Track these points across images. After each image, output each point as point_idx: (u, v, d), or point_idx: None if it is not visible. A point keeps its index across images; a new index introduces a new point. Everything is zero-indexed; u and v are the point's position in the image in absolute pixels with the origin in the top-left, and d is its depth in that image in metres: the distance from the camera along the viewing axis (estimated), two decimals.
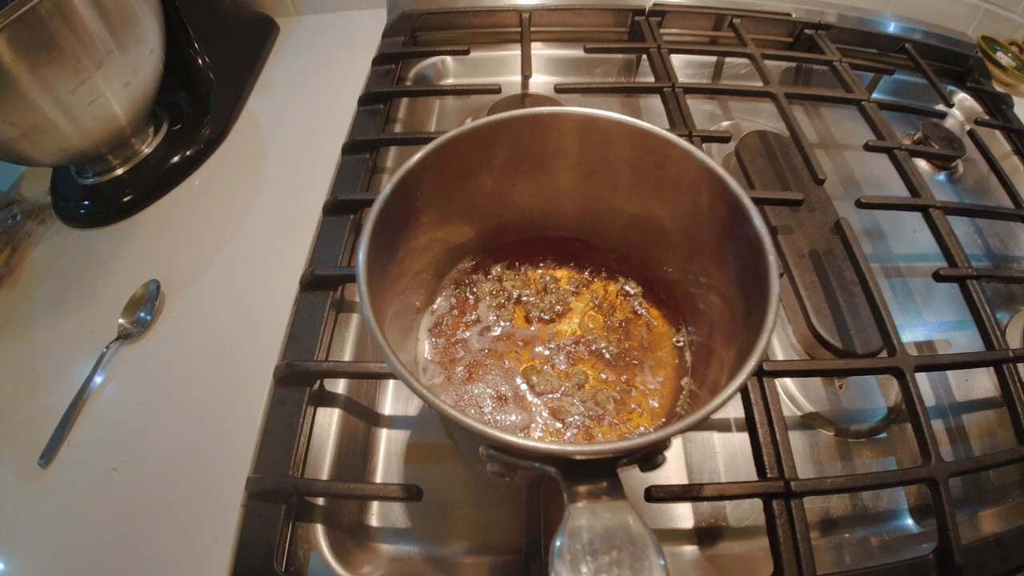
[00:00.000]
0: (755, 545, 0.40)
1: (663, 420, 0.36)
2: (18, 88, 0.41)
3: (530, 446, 0.23)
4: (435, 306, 0.41)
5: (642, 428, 0.35)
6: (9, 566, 0.38)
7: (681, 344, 0.39)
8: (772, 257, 0.27)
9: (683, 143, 0.33)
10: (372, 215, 0.29)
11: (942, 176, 0.69)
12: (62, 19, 0.41)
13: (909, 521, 0.44)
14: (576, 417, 0.36)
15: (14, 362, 0.47)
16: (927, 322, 0.55)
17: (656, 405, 0.36)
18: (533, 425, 0.36)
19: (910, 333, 0.53)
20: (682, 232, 0.36)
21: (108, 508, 0.39)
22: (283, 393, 0.42)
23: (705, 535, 0.41)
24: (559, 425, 0.35)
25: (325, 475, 0.41)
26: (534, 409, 0.36)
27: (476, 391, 0.37)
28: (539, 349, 0.39)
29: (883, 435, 0.48)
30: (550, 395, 0.36)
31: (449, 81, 0.73)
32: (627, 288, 0.42)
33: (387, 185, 0.31)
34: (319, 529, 0.39)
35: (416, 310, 0.39)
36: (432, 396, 0.24)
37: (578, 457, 0.24)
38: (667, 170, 0.35)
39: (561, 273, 0.43)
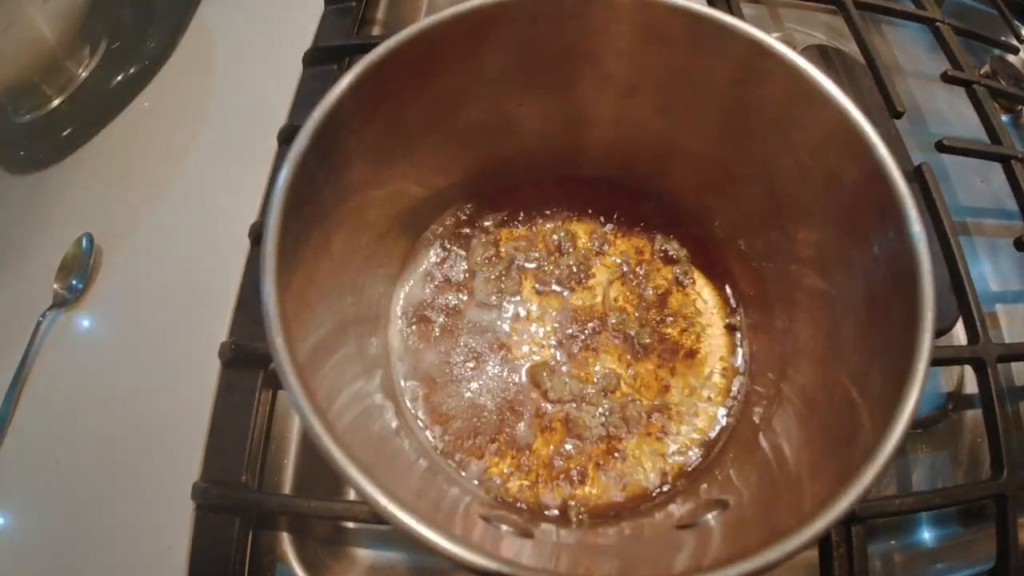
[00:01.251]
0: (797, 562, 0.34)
1: (709, 437, 0.27)
2: None
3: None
4: (410, 278, 0.31)
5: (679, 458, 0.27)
6: None
7: (738, 333, 0.30)
8: (928, 292, 0.18)
9: (789, 53, 0.22)
10: (291, 158, 0.19)
11: (1006, 119, 0.60)
12: None
13: (959, 527, 0.39)
14: (595, 432, 0.27)
15: None
16: (991, 291, 0.48)
17: (698, 422, 0.28)
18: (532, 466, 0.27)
19: None
20: (763, 186, 0.26)
21: (55, 505, 0.36)
22: (231, 377, 0.34)
23: None
24: (569, 445, 0.27)
25: (288, 474, 0.35)
26: (542, 424, 0.27)
27: (464, 397, 0.28)
28: (548, 335, 0.30)
29: (940, 424, 0.41)
30: (566, 404, 0.28)
31: None
32: (667, 249, 0.32)
33: (319, 107, 0.20)
34: (285, 538, 0.34)
35: (385, 282, 0.30)
36: (375, 494, 0.15)
37: None
38: (753, 91, 0.24)
39: (580, 227, 0.33)
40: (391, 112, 0.25)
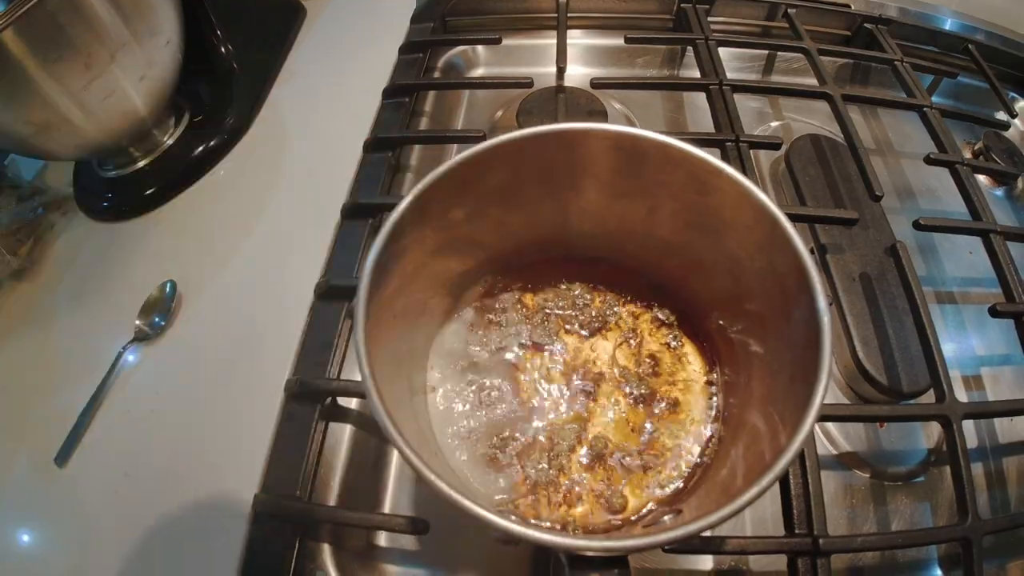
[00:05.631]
0: None
1: (689, 471, 0.34)
2: (29, 85, 0.40)
3: (537, 538, 0.21)
4: (449, 328, 0.39)
5: (663, 489, 0.33)
6: (27, 564, 0.39)
7: (714, 387, 0.36)
8: (826, 353, 0.24)
9: (733, 173, 0.30)
10: (374, 251, 0.27)
11: (1000, 192, 0.64)
12: (73, 12, 0.39)
13: (937, 571, 0.41)
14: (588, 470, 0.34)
15: (34, 357, 0.47)
16: (976, 354, 0.52)
17: (680, 461, 0.34)
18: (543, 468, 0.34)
19: (956, 365, 0.49)
20: (724, 269, 0.33)
21: (119, 514, 0.39)
22: (293, 409, 0.41)
23: None
24: (575, 475, 0.34)
25: (334, 493, 0.41)
26: (552, 457, 0.34)
27: (486, 425, 0.35)
28: (559, 381, 0.37)
29: (920, 479, 0.45)
30: (570, 442, 0.35)
31: (479, 71, 0.69)
32: (660, 316, 0.39)
33: (395, 210, 0.29)
34: (326, 548, 0.39)
35: (429, 331, 0.38)
36: (424, 467, 0.22)
37: (590, 554, 0.22)
38: (711, 200, 0.32)
39: (590, 294, 0.41)
40: (438, 211, 0.32)
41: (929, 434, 0.46)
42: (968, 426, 0.42)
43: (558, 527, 0.32)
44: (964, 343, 0.52)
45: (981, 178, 0.63)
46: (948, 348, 0.45)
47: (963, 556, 0.37)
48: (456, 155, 0.32)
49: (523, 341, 0.38)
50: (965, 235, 0.52)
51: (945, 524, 0.42)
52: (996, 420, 0.48)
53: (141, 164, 0.55)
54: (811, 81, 0.60)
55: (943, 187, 0.60)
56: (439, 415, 0.36)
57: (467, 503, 0.21)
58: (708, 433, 0.35)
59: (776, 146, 0.54)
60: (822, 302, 0.26)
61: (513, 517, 0.24)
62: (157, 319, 0.46)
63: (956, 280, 0.56)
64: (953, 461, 0.40)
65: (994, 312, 0.47)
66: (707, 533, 0.39)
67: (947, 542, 0.38)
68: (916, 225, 0.50)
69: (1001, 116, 0.66)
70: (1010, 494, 0.45)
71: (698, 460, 0.34)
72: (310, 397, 0.41)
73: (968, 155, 0.64)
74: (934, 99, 0.64)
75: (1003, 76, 0.69)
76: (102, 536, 0.38)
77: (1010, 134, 0.67)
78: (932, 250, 0.57)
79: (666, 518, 0.28)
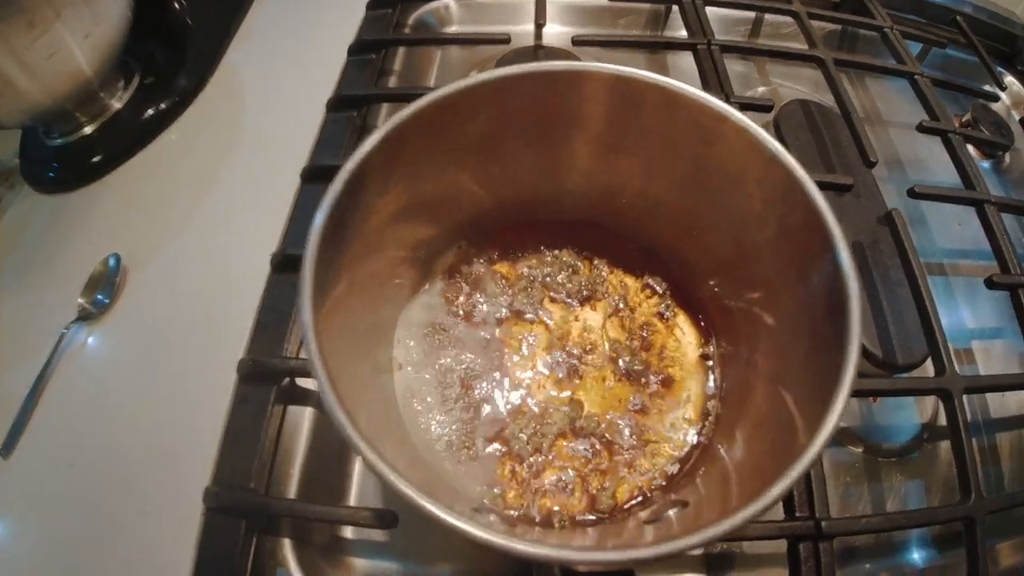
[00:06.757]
0: (771, 574, 0.36)
1: (683, 453, 0.31)
2: None
3: (528, 553, 0.18)
4: (419, 301, 0.35)
5: (658, 479, 0.30)
6: None
7: (711, 362, 0.33)
8: (855, 320, 0.21)
9: (741, 118, 0.27)
10: (326, 202, 0.23)
11: (987, 164, 0.63)
12: None
13: (934, 550, 0.40)
14: (582, 452, 0.30)
15: None
16: (967, 327, 0.51)
17: (674, 441, 0.31)
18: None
19: (948, 339, 0.48)
20: (727, 231, 0.30)
21: (66, 507, 0.37)
22: (247, 391, 0.37)
23: (716, 562, 0.36)
24: (561, 460, 0.30)
25: (294, 483, 0.37)
26: (534, 439, 0.31)
27: (465, 406, 0.32)
28: (543, 356, 0.34)
29: (915, 454, 0.43)
30: (558, 423, 0.31)
31: (453, 29, 0.64)
32: (652, 284, 0.36)
33: (352, 157, 0.24)
34: (286, 543, 0.35)
35: (396, 303, 0.34)
36: (388, 471, 0.18)
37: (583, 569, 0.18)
38: (715, 151, 0.28)
39: (575, 260, 0.37)
40: (408, 163, 0.29)
41: (923, 409, 0.45)
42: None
43: (538, 518, 0.29)
44: (954, 316, 0.51)
45: (968, 149, 0.61)
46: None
47: (965, 536, 0.36)
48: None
49: (503, 312, 0.35)
50: (959, 204, 0.51)
51: (941, 501, 0.41)
52: (988, 395, 0.47)
53: (88, 130, 0.52)
54: (800, 46, 0.58)
55: (932, 157, 0.59)
56: (408, 395, 0.32)
57: (437, 511, 0.18)
58: (705, 412, 0.32)
59: (767, 108, 0.51)
60: (847, 260, 0.23)
61: (493, 517, 0.20)
62: (100, 296, 0.43)
63: (945, 252, 0.54)
64: (955, 437, 0.38)
65: (990, 284, 0.46)
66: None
67: (950, 521, 0.36)
68: (911, 193, 0.49)
69: (990, 89, 0.65)
70: (1004, 470, 0.44)
71: (695, 441, 0.31)
72: (265, 378, 0.37)
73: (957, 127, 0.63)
74: (923, 70, 0.62)
75: (989, 50, 0.68)
76: (50, 533, 0.36)
77: (997, 107, 0.66)
78: (921, 221, 0.56)
79: (671, 512, 0.25)
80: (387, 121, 0.26)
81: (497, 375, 0.33)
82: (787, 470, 0.19)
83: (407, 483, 0.19)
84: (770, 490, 0.19)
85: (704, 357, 0.34)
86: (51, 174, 0.51)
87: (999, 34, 0.70)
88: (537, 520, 0.29)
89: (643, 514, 0.27)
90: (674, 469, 0.30)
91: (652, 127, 0.30)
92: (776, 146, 0.26)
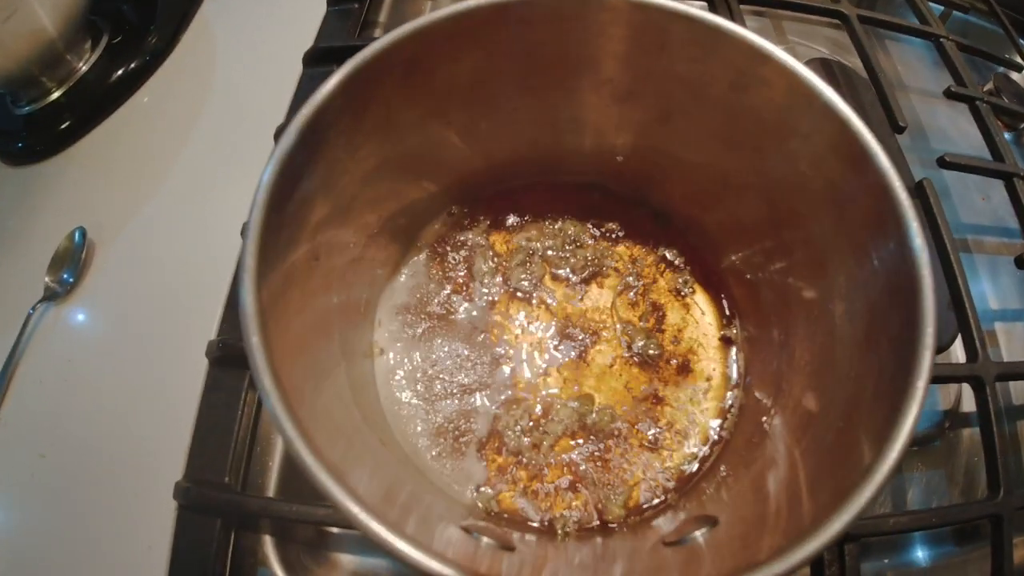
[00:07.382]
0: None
1: (700, 451, 0.27)
2: None
3: None
4: (401, 279, 0.30)
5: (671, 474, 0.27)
6: None
7: (734, 347, 0.29)
8: (929, 307, 0.17)
9: (787, 59, 0.22)
10: (276, 155, 0.19)
11: (1009, 136, 0.60)
12: None
13: (953, 547, 0.38)
14: (587, 446, 0.26)
15: None
16: (989, 308, 0.48)
17: (692, 435, 0.27)
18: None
19: None
20: (759, 195, 0.26)
21: (37, 500, 0.35)
22: (218, 376, 0.34)
23: None
24: (563, 454, 0.26)
25: (273, 477, 0.35)
26: (532, 431, 0.27)
27: (453, 399, 0.27)
28: (546, 340, 0.29)
29: (937, 443, 0.41)
30: (561, 411, 0.27)
31: None
32: (667, 256, 0.31)
33: (308, 103, 0.20)
34: (267, 540, 0.33)
35: (375, 283, 0.29)
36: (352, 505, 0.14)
37: None
38: (752, 98, 0.24)
39: (580, 230, 0.33)
40: (381, 112, 0.24)
41: (946, 395, 0.42)
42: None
43: (539, 524, 0.25)
44: (977, 296, 0.48)
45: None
46: None
47: (992, 533, 0.34)
48: None
49: (497, 291, 0.30)
50: (989, 177, 0.47)
51: (963, 492, 0.39)
52: (1011, 383, 0.44)
53: (55, 95, 0.50)
54: (820, 2, 0.53)
55: (954, 126, 0.56)
56: (390, 385, 0.27)
57: (402, 545, 0.13)
58: (728, 403, 0.28)
59: None
60: (916, 235, 0.19)
61: (485, 540, 0.16)
62: (66, 275, 0.41)
63: (968, 227, 0.52)
64: (985, 428, 0.36)
65: (1021, 263, 0.43)
66: None
67: (978, 519, 0.34)
68: (940, 162, 0.45)
69: (1016, 58, 0.61)
70: None
71: (716, 437, 0.27)
72: (238, 362, 0.34)
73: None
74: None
75: (1012, 21, 0.65)
76: (23, 529, 0.35)
77: (1019, 78, 0.63)
78: (944, 194, 0.52)
79: (698, 534, 0.21)
80: (351, 58, 0.21)
81: (490, 363, 0.29)
82: (852, 495, 0.16)
83: (357, 503, 0.14)
84: (830, 524, 0.15)
85: (726, 340, 0.30)
86: (20, 144, 0.49)
87: (1020, 4, 0.66)
88: (537, 527, 0.25)
89: (661, 524, 0.23)
90: (693, 468, 0.27)
91: (675, 70, 0.25)
92: (831, 94, 0.22)
